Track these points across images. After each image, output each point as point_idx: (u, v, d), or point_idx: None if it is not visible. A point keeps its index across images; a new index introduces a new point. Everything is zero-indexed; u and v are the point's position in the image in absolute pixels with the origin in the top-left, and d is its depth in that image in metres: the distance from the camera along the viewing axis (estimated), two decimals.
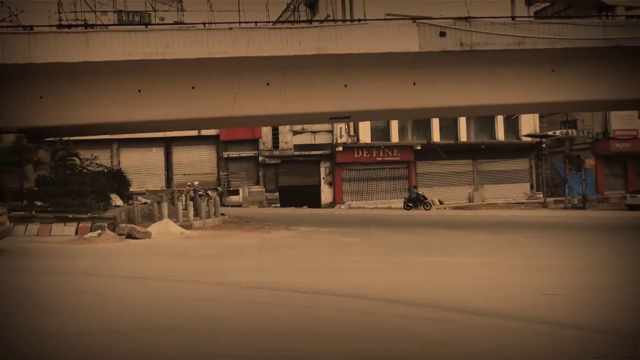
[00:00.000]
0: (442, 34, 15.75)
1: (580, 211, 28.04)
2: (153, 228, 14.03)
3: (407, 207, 27.37)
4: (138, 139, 28.69)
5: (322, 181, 31.27)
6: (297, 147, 31.11)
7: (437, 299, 6.48)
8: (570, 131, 32.73)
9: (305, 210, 27.03)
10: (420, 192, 27.90)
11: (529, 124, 32.26)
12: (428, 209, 26.75)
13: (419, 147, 31.16)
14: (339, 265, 9.47)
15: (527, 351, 4.57)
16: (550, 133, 32.69)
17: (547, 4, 26.62)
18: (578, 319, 5.55)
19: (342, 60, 16.07)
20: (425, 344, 4.74)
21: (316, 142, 31.16)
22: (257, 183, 31.17)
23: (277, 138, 31.18)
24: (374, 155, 30.92)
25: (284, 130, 30.97)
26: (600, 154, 33.35)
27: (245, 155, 31.26)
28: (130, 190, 21.77)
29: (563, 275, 8.27)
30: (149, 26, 17.55)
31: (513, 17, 17.58)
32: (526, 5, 19.53)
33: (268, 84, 16.63)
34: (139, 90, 16.21)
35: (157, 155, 30.99)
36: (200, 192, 28.27)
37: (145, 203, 19.07)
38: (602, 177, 33.63)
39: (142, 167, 30.29)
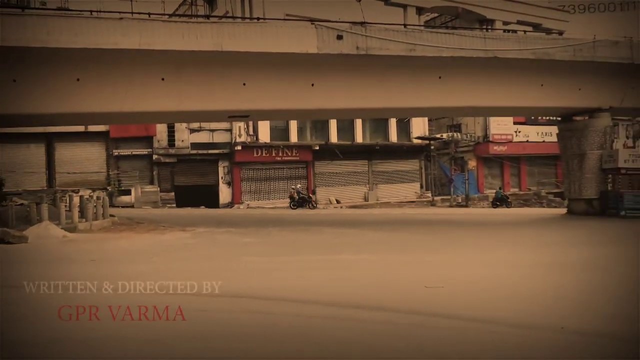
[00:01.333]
0: (339, 37, 16.15)
1: (463, 209, 30.28)
2: (30, 231, 12.85)
3: (494, 205, 30.07)
4: (14, 134, 25.86)
5: (221, 181, 30.65)
6: (195, 145, 30.14)
7: (330, 296, 6.62)
8: (455, 134, 35.28)
9: (202, 211, 26.33)
10: (503, 193, 30.82)
11: (419, 127, 34.21)
12: (508, 207, 29.34)
13: (317, 148, 31.69)
14: (235, 266, 9.34)
15: (411, 343, 4.81)
16: (438, 136, 34.95)
17: (436, 15, 28.41)
18: (458, 309, 5.96)
19: (241, 58, 15.86)
20: (320, 341, 4.81)
21: (214, 141, 30.43)
22: (151, 182, 29.73)
23: (173, 136, 29.96)
24: (274, 154, 30.92)
25: (181, 128, 29.85)
26: (481, 156, 36.31)
27: (138, 153, 29.65)
28: (4, 190, 19.84)
29: (446, 269, 8.85)
30: (26, 10, 15.94)
31: (405, 25, 18.48)
32: (417, 15, 20.61)
33: (163, 79, 15.94)
34: (14, 80, 14.72)
35: (36, 152, 28.27)
36: (302, 194, 26.86)
37: (22, 204, 17.42)
38: (482, 177, 36.62)
39: (19, 165, 27.44)
